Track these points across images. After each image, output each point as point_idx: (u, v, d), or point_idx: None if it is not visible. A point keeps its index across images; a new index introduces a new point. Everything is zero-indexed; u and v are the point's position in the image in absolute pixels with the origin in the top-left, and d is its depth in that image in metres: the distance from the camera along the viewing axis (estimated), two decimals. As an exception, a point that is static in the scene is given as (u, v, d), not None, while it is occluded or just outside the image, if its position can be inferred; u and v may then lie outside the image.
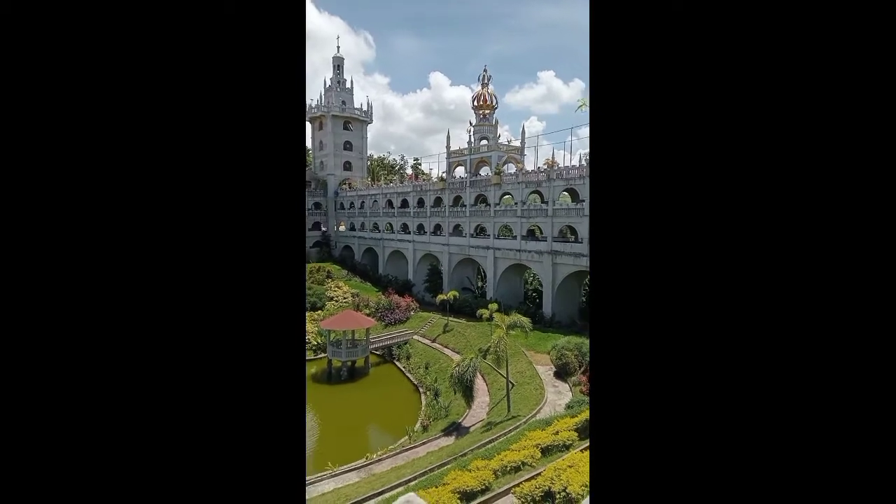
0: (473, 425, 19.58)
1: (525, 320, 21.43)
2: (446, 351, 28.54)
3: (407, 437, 19.83)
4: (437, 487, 11.62)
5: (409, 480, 13.45)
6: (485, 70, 41.76)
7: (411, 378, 27.48)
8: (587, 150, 30.20)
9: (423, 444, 18.52)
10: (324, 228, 52.81)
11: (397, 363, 29.64)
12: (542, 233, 32.39)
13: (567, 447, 13.49)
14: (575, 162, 31.83)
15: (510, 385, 20.75)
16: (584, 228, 28.89)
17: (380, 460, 17.04)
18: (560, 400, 19.64)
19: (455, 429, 19.71)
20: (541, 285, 32.30)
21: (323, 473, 15.64)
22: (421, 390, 25.72)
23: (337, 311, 33.69)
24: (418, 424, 21.46)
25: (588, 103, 1.85)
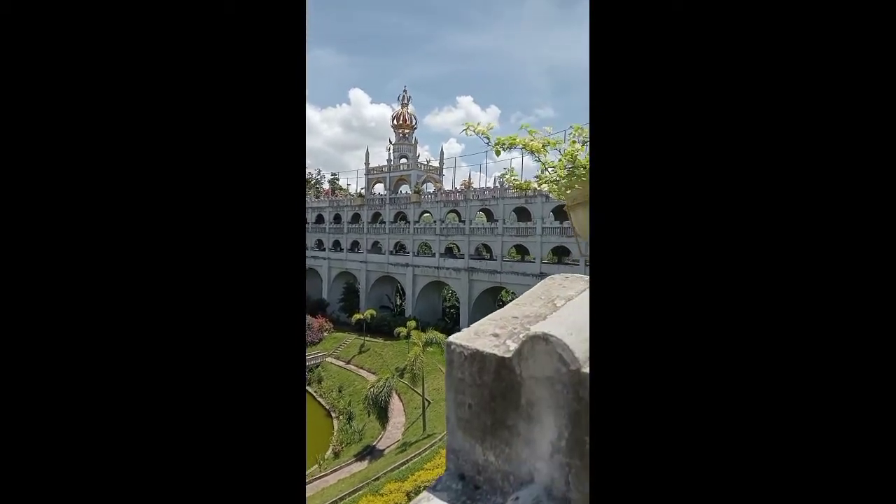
0: (388, 447, 18.96)
1: (441, 336, 21.50)
2: (362, 372, 27.55)
3: (317, 465, 18.58)
4: (345, 517, 10.90)
5: (316, 512, 12.47)
6: (404, 90, 42.36)
7: (323, 403, 26.03)
8: (501, 173, 31.84)
9: (334, 471, 17.51)
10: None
11: (308, 388, 27.94)
12: (459, 250, 33.07)
13: (481, 461, 13.53)
14: (489, 184, 33.34)
15: (426, 403, 20.50)
16: (497, 246, 30.09)
17: (284, 494, 15.64)
18: (475, 415, 19.79)
19: (369, 452, 18.92)
20: (458, 301, 32.80)
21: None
22: (333, 415, 24.45)
23: (241, 334, 30.95)
24: (329, 451, 20.29)
25: (472, 127, 1.93)
